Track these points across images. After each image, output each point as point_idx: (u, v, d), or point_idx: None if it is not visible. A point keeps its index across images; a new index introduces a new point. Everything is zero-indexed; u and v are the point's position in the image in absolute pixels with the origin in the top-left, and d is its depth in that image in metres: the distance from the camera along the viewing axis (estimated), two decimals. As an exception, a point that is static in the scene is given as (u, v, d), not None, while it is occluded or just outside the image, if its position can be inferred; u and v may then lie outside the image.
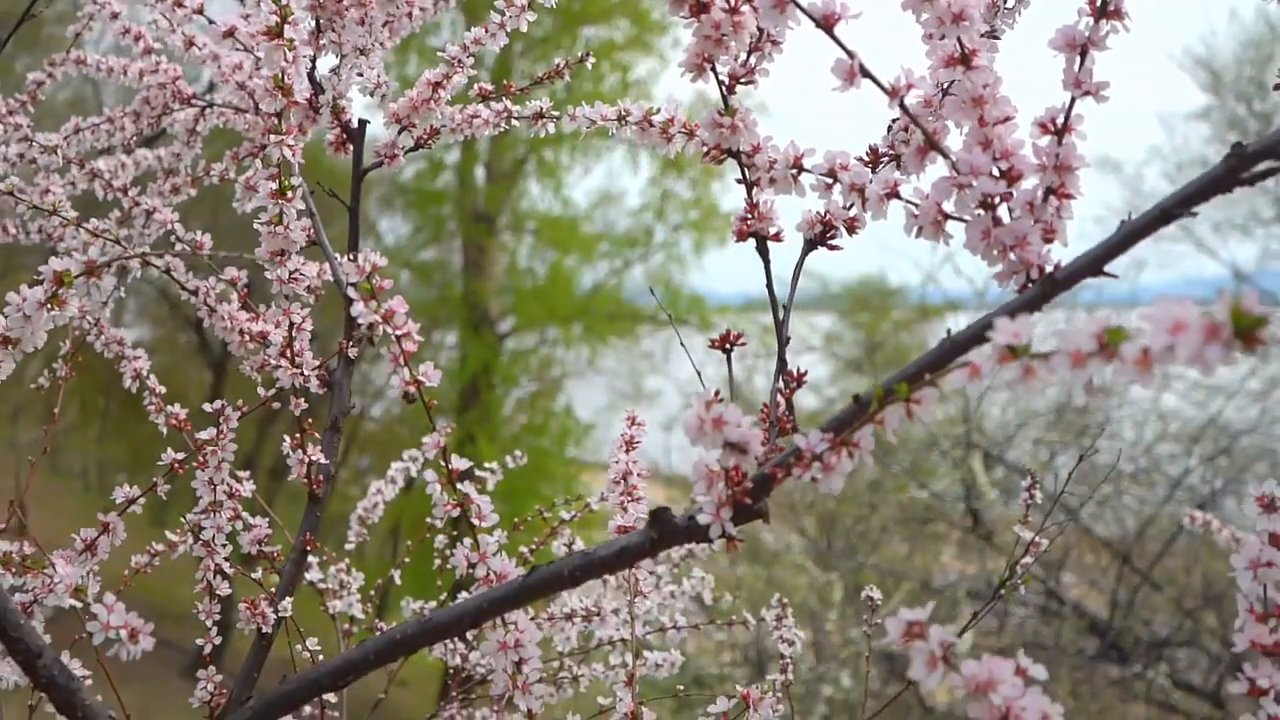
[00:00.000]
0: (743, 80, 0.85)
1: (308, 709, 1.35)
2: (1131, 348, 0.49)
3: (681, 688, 1.51)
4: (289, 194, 0.98)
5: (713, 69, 0.82)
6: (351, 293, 0.78)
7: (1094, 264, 0.67)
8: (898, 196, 0.82)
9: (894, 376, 0.67)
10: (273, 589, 1.17)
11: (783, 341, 0.87)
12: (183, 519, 1.24)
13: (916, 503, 7.41)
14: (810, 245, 0.89)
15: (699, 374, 0.97)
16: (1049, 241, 0.72)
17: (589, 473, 10.72)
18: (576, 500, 1.67)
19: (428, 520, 1.61)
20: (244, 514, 1.18)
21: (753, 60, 0.85)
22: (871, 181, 0.84)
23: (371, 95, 1.22)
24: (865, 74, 0.75)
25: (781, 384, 0.85)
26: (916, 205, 0.79)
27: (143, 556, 1.32)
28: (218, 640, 1.13)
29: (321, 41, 1.16)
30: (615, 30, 10.70)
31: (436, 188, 10.90)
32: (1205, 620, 6.29)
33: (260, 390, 1.18)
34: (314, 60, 1.16)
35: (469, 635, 1.51)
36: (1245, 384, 7.71)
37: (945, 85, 0.78)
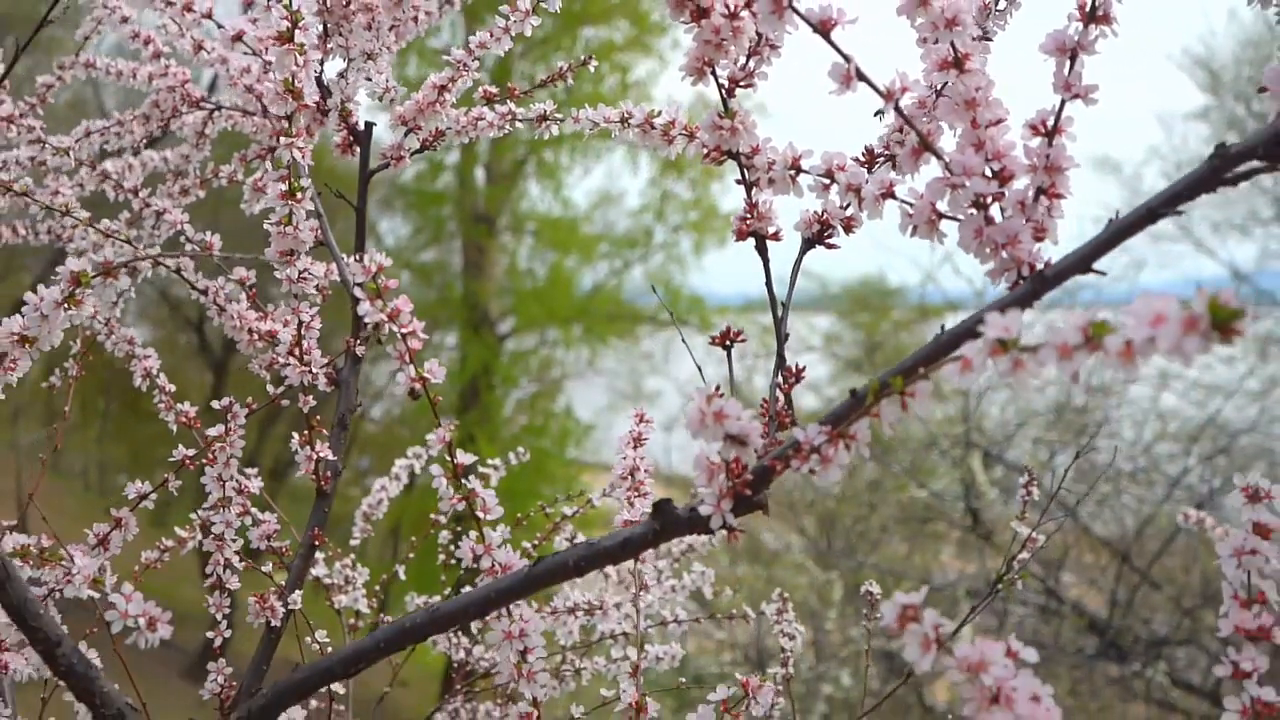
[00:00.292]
0: (742, 84, 0.87)
1: (314, 702, 1.37)
2: (1115, 340, 0.51)
3: (683, 680, 1.53)
4: (298, 195, 1.00)
5: (713, 72, 0.85)
6: (358, 292, 0.80)
7: (1082, 262, 0.69)
8: (893, 196, 0.84)
9: (889, 371, 0.69)
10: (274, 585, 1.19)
11: (781, 338, 0.89)
12: (192, 515, 1.26)
13: (916, 502, 7.43)
14: (808, 244, 0.92)
15: (700, 371, 0.99)
16: (1040, 240, 0.74)
17: (589, 473, 10.74)
18: (579, 496, 1.69)
19: (431, 516, 1.64)
20: (253, 510, 1.20)
21: (752, 64, 0.88)
22: (867, 182, 0.86)
23: (381, 100, 1.25)
24: (861, 78, 0.77)
25: (780, 380, 0.87)
26: (911, 205, 0.81)
27: (152, 553, 1.34)
28: (228, 633, 1.15)
29: (329, 46, 1.18)
30: (615, 31, 10.73)
31: (436, 189, 10.92)
32: (1204, 619, 6.31)
33: (270, 388, 1.20)
34: (321, 64, 1.18)
35: (474, 628, 1.54)
36: (1244, 383, 7.74)
37: (939, 88, 0.81)
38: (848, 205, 0.88)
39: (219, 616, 1.16)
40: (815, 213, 0.91)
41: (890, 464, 7.49)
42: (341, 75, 1.20)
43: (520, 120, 1.29)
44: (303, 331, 1.12)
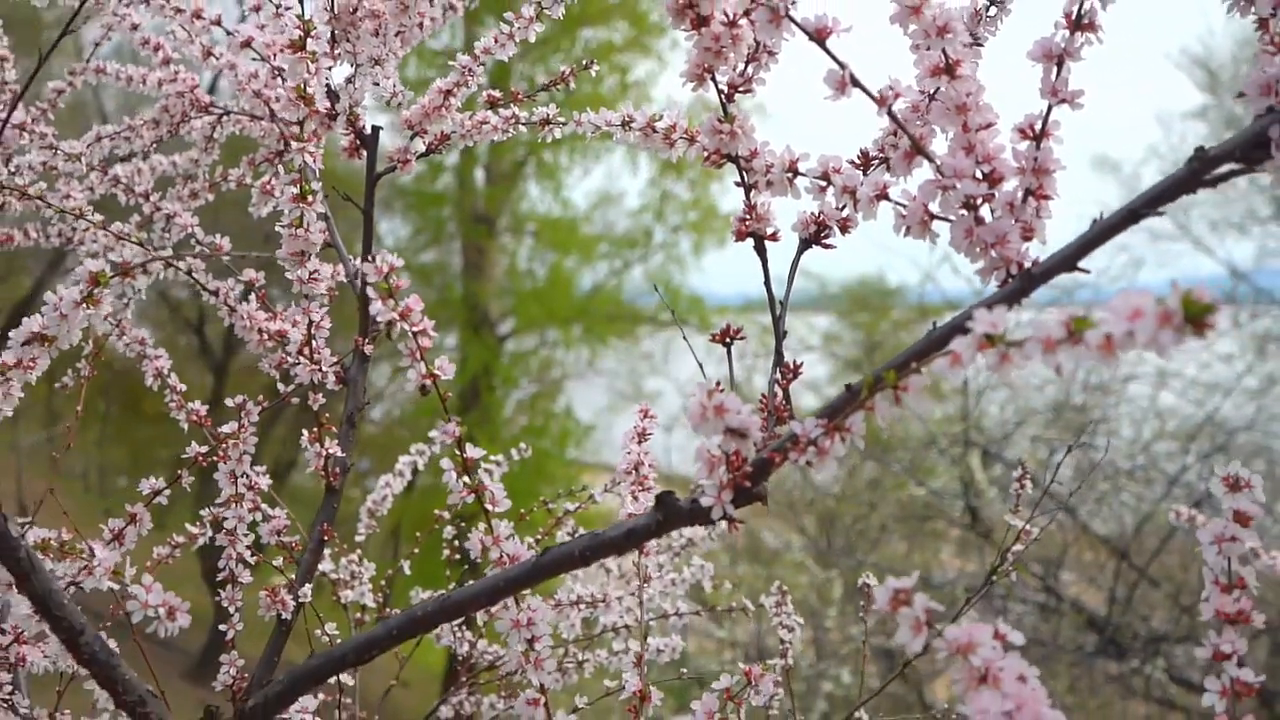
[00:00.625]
0: (741, 89, 0.90)
1: (322, 695, 1.40)
2: (1095, 334, 0.54)
3: (685, 671, 1.56)
4: (310, 198, 1.03)
5: (712, 78, 0.87)
6: (371, 291, 0.83)
7: (1068, 260, 0.72)
8: (887, 198, 0.87)
9: (883, 366, 0.72)
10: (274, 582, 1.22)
11: (780, 335, 0.92)
12: (202, 512, 1.29)
13: (916, 501, 7.46)
14: (805, 244, 0.94)
15: (701, 368, 1.02)
16: (1028, 239, 0.77)
17: (589, 473, 10.76)
18: (581, 491, 1.72)
19: (436, 513, 1.67)
20: (263, 506, 1.23)
21: (750, 70, 0.90)
22: (862, 184, 0.89)
23: (389, 105, 1.27)
24: (856, 84, 0.80)
25: (779, 375, 0.89)
26: (904, 206, 0.84)
27: (163, 549, 1.37)
28: (240, 626, 1.18)
29: (337, 52, 1.21)
30: (614, 32, 10.75)
31: (436, 190, 10.94)
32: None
33: (280, 387, 1.23)
34: (329, 70, 1.21)
35: (479, 621, 1.56)
36: (1242, 382, 7.77)
37: (931, 93, 0.83)
38: (843, 207, 0.91)
39: (232, 610, 1.18)
40: (812, 214, 0.93)
41: (890, 463, 7.52)
42: (349, 81, 1.23)
43: (524, 123, 1.31)
44: (313, 331, 1.15)
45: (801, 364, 0.91)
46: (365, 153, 1.30)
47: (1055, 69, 0.78)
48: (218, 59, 1.42)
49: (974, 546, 7.41)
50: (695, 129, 1.08)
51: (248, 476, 1.19)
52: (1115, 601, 6.54)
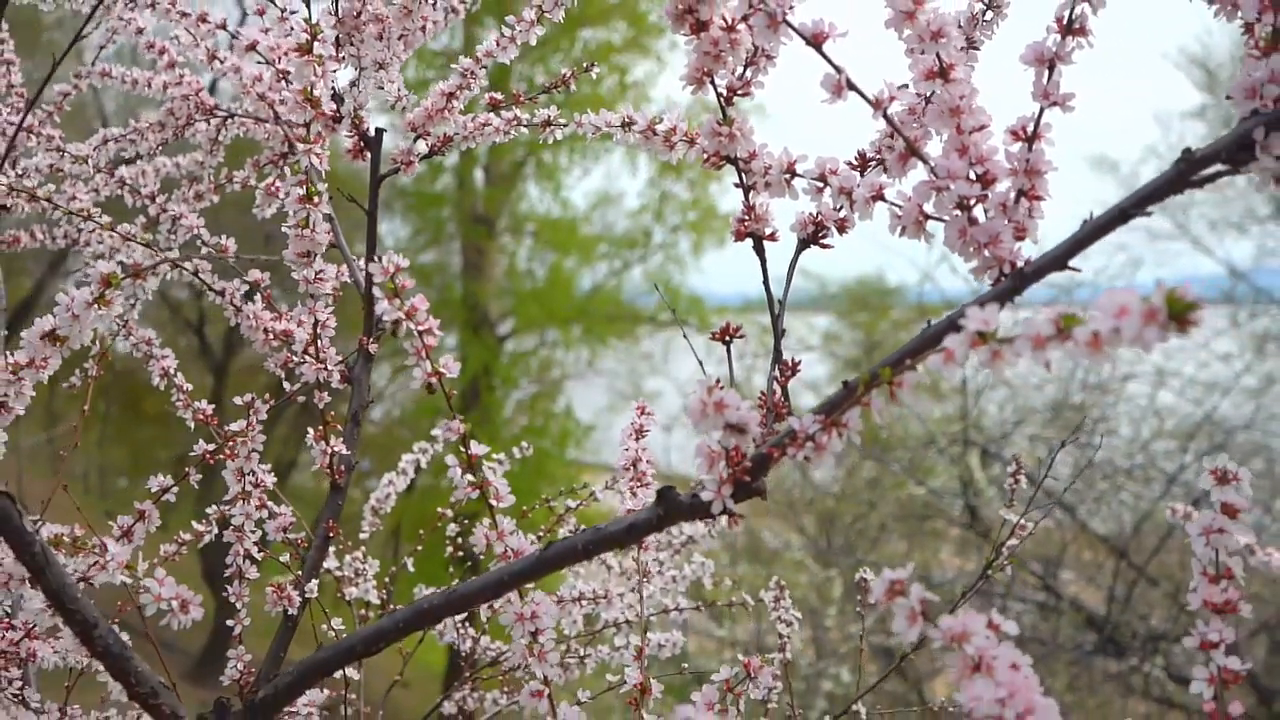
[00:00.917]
0: (740, 92, 0.92)
1: (328, 690, 1.41)
2: (1083, 331, 0.56)
3: (686, 665, 1.58)
4: (316, 200, 1.04)
5: (712, 81, 0.89)
6: (378, 291, 0.85)
7: (1059, 259, 0.74)
8: (883, 199, 0.89)
9: (879, 363, 0.74)
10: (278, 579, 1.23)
11: (779, 333, 0.94)
12: (209, 510, 1.31)
13: (915, 500, 7.48)
14: (803, 244, 0.96)
15: (701, 365, 1.03)
16: (1020, 239, 0.79)
17: (589, 474, 10.77)
18: (582, 489, 1.74)
19: (439, 510, 1.69)
20: (269, 504, 1.25)
21: (749, 73, 0.92)
22: (859, 185, 0.91)
23: (393, 108, 1.29)
24: (852, 87, 0.82)
25: (777, 372, 0.91)
26: (900, 206, 0.85)
27: (171, 545, 1.38)
28: (247, 621, 1.20)
29: (341, 55, 1.22)
30: (613, 32, 10.77)
31: (436, 190, 10.96)
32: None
33: (286, 385, 1.25)
34: (334, 73, 1.23)
35: (483, 615, 1.58)
36: (1240, 381, 7.79)
37: (926, 95, 0.85)
38: (841, 207, 0.93)
39: (239, 605, 1.20)
40: (810, 214, 0.95)
41: (889, 462, 7.54)
42: (353, 84, 1.24)
43: (526, 125, 1.33)
44: (318, 330, 1.17)
45: (800, 361, 0.93)
46: (369, 154, 1.32)
47: (1047, 72, 0.79)
48: (222, 62, 1.44)
49: (973, 546, 7.43)
50: (695, 131, 1.10)
51: (254, 474, 1.21)
52: (1114, 600, 6.56)
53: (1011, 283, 0.76)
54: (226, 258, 1.34)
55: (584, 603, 1.48)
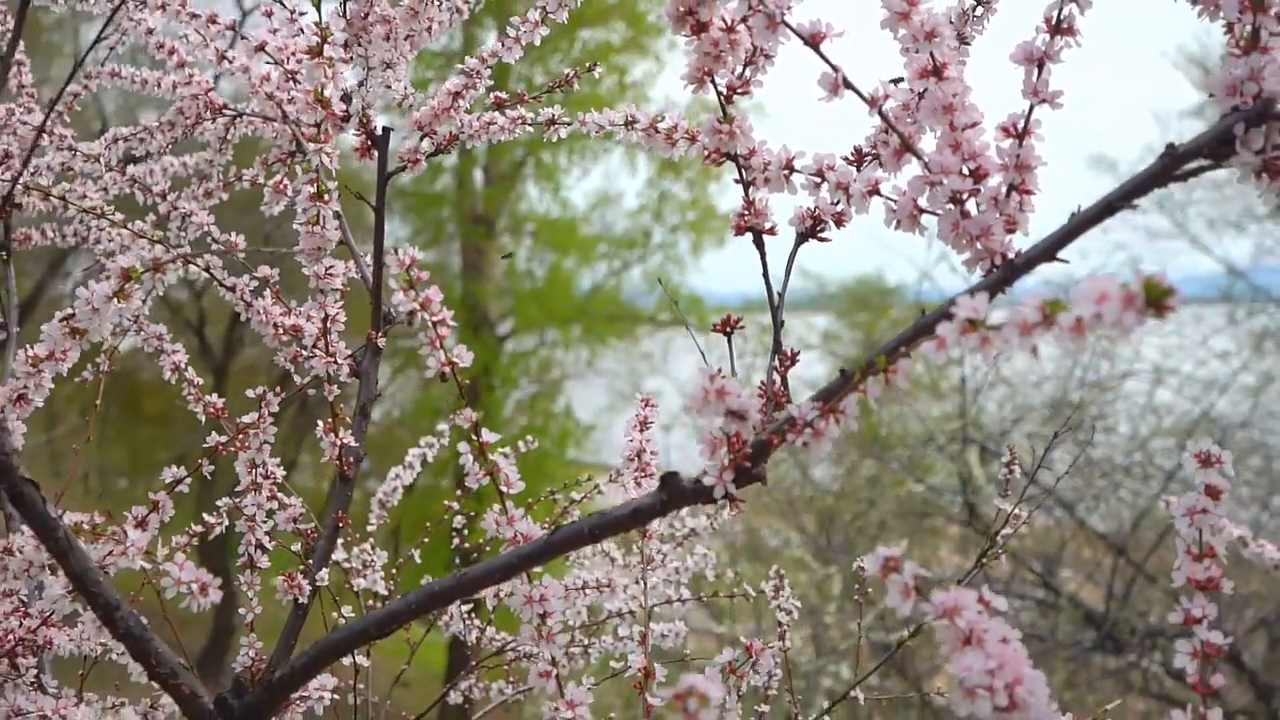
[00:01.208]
0: (739, 91, 0.95)
1: (335, 680, 1.44)
2: (1066, 317, 0.59)
3: (689, 653, 1.60)
4: (326, 197, 1.07)
5: (712, 80, 0.92)
6: (393, 283, 0.88)
7: (1047, 252, 0.76)
8: (878, 193, 0.92)
9: (874, 352, 0.77)
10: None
11: (778, 324, 0.96)
12: (219, 502, 1.33)
13: (914, 498, 7.51)
14: (802, 238, 0.99)
15: (703, 355, 1.06)
16: (1011, 232, 0.82)
17: (589, 473, 10.78)
18: (587, 482, 1.76)
19: (445, 504, 1.72)
20: (279, 495, 1.27)
21: (748, 73, 0.95)
22: (855, 180, 0.94)
23: (400, 107, 1.32)
24: (848, 86, 0.85)
25: (776, 362, 0.94)
26: (895, 201, 0.88)
27: (182, 537, 1.41)
28: (258, 609, 1.23)
29: (349, 56, 1.25)
30: (612, 33, 10.80)
31: (435, 190, 10.98)
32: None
33: (296, 378, 1.28)
34: (343, 73, 1.26)
35: (489, 603, 1.61)
36: (1238, 379, 7.82)
37: (920, 92, 0.88)
38: (838, 201, 0.96)
39: (250, 594, 1.23)
40: (808, 209, 0.98)
41: (888, 460, 7.57)
42: (361, 84, 1.27)
43: (530, 124, 1.36)
44: (328, 324, 1.20)
45: (798, 352, 0.96)
46: (376, 153, 1.35)
47: (1036, 71, 0.82)
48: (230, 63, 1.47)
49: (973, 543, 7.45)
50: (695, 129, 1.13)
51: (265, 465, 1.24)
52: (1113, 597, 6.59)
53: (1002, 273, 0.79)
54: (236, 254, 1.36)
55: (588, 591, 1.51)
